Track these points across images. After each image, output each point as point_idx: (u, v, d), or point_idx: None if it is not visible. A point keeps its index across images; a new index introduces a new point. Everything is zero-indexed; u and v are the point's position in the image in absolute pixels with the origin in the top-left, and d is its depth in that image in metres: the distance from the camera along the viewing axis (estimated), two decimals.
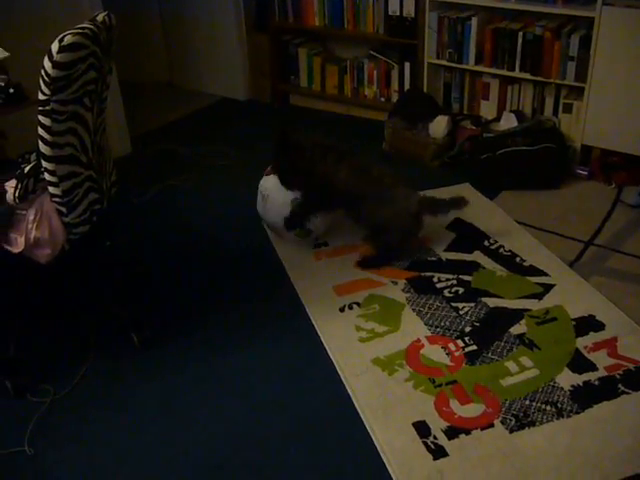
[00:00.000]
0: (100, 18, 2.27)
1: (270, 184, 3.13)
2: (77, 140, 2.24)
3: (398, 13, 4.19)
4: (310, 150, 2.96)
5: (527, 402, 2.27)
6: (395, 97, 4.47)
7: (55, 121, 2.10)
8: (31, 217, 2.25)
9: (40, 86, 2.05)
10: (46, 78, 2.03)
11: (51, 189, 2.23)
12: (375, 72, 4.52)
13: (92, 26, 2.16)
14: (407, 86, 4.40)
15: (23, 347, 2.63)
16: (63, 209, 2.27)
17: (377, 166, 3.07)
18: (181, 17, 5.12)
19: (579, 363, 2.42)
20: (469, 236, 3.23)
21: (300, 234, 3.18)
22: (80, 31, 2.08)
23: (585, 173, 3.74)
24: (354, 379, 2.40)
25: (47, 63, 2.01)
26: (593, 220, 3.35)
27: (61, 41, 2.01)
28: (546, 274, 2.92)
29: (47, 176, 2.20)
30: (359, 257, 3.10)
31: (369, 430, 2.19)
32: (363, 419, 2.24)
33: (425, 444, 2.13)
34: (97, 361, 2.56)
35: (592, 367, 2.40)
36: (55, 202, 2.25)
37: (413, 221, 3.02)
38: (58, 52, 2.00)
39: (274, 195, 3.10)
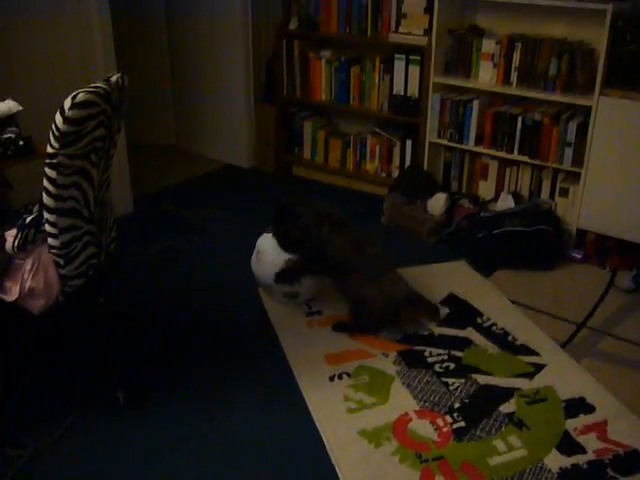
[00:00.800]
0: (114, 79, 2.34)
1: (266, 241, 3.19)
2: (80, 194, 2.28)
3: (402, 93, 4.30)
4: (307, 217, 3.01)
5: None
6: (396, 173, 4.55)
7: (61, 174, 2.15)
8: (28, 267, 2.27)
9: (50, 140, 2.10)
10: (56, 132, 2.08)
11: (50, 240, 2.25)
12: (377, 148, 4.61)
13: (105, 86, 2.23)
14: (408, 163, 4.49)
15: (4, 397, 2.60)
16: (60, 261, 2.29)
17: (372, 244, 3.10)
18: (192, 83, 5.26)
19: (568, 445, 2.40)
20: (462, 312, 3.24)
21: (288, 295, 3.20)
22: (93, 89, 2.14)
23: (580, 256, 3.77)
24: (340, 451, 2.37)
25: (58, 118, 2.07)
26: (586, 303, 3.36)
27: (74, 98, 2.07)
28: (537, 354, 2.92)
29: (48, 227, 2.23)
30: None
31: None
32: None
33: None
34: (81, 416, 2.53)
35: (581, 450, 2.38)
36: (53, 253, 2.27)
37: (394, 308, 3.03)
38: (70, 108, 2.06)
39: (268, 252, 3.16)
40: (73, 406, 2.58)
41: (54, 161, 2.12)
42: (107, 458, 2.35)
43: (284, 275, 3.09)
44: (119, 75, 2.39)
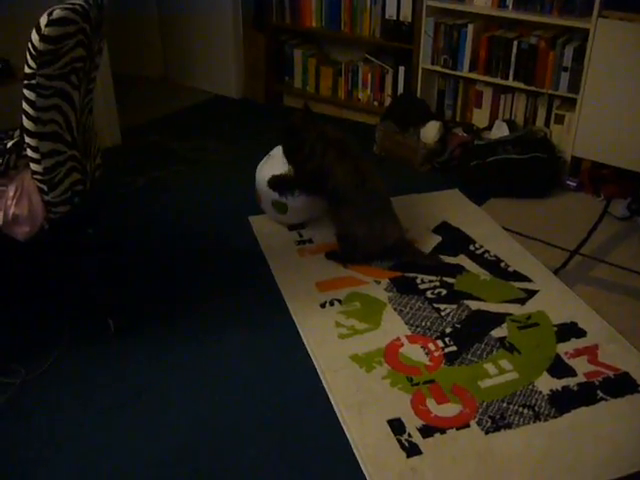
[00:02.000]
0: None
1: (279, 150, 3.15)
2: (62, 118, 2.21)
3: (395, 17, 4.19)
4: (315, 140, 2.94)
5: (504, 404, 2.24)
6: (388, 101, 4.46)
7: (40, 96, 2.08)
8: (11, 193, 2.21)
9: (27, 59, 2.02)
10: (33, 51, 2.00)
11: (33, 166, 2.20)
12: (369, 75, 4.52)
13: (83, 3, 2.14)
14: (401, 91, 4.40)
15: None
16: (44, 187, 2.24)
17: (375, 178, 2.99)
18: (179, 12, 5.10)
19: (559, 368, 2.40)
20: (455, 240, 3.21)
21: (277, 205, 3.19)
22: (70, 6, 2.06)
23: (574, 184, 3.73)
24: (331, 374, 2.37)
25: (35, 36, 1.99)
26: (580, 230, 3.34)
27: (50, 15, 1.99)
28: (530, 280, 2.90)
29: (29, 152, 2.17)
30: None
31: (343, 426, 2.16)
32: (338, 414, 2.21)
33: (399, 441, 2.10)
34: (71, 345, 2.52)
35: (572, 373, 2.38)
36: (36, 179, 2.22)
37: (381, 250, 2.98)
38: (46, 25, 1.98)
39: (276, 159, 3.15)
40: (64, 334, 2.56)
41: (32, 82, 2.05)
42: (97, 386, 2.35)
43: (278, 182, 3.08)
44: None
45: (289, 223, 3.32)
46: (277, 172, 3.10)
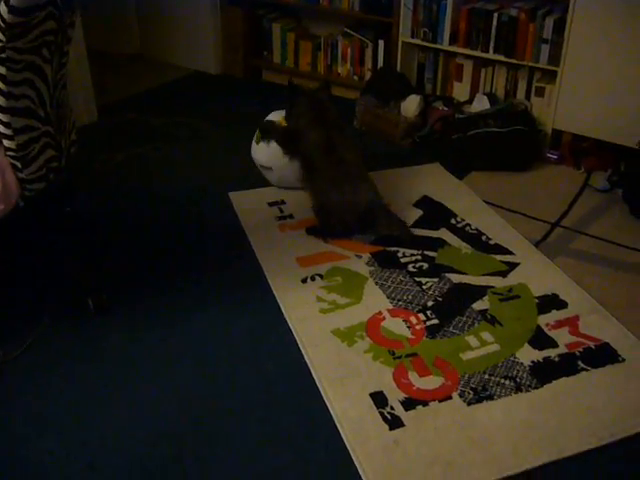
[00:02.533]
0: None
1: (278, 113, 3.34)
2: (34, 93, 2.16)
3: None
4: (301, 104, 3.04)
5: (486, 376, 2.24)
6: (368, 76, 4.42)
7: (10, 70, 2.02)
8: None
9: None
10: (1, 24, 1.94)
11: (5, 142, 2.15)
12: (349, 50, 4.47)
13: None
14: (381, 65, 4.36)
15: None
16: (18, 164, 2.19)
17: (350, 148, 2.99)
18: None
19: (540, 340, 2.41)
20: (436, 214, 3.20)
21: (263, 168, 3.38)
22: None
23: (555, 157, 3.73)
24: (313, 349, 2.36)
25: (3, 8, 1.93)
26: (561, 203, 3.34)
27: None
28: (511, 253, 2.90)
29: (2, 129, 2.12)
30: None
31: (325, 399, 2.16)
32: (320, 388, 2.20)
33: (382, 414, 2.10)
34: (50, 325, 2.48)
35: (553, 344, 2.39)
36: (9, 156, 2.18)
37: (355, 216, 2.94)
38: None
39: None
40: (42, 315, 2.53)
41: (2, 55, 1.99)
42: (77, 366, 2.32)
43: (265, 126, 3.24)
44: None
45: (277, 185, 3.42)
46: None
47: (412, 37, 4.08)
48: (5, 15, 1.92)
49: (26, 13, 1.96)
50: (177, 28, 5.05)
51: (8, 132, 2.13)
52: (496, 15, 3.73)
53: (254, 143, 3.37)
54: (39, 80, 2.16)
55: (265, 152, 3.30)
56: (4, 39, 1.96)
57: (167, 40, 5.17)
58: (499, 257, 2.87)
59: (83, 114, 4.05)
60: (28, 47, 2.04)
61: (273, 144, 3.21)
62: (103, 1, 4.96)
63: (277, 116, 3.32)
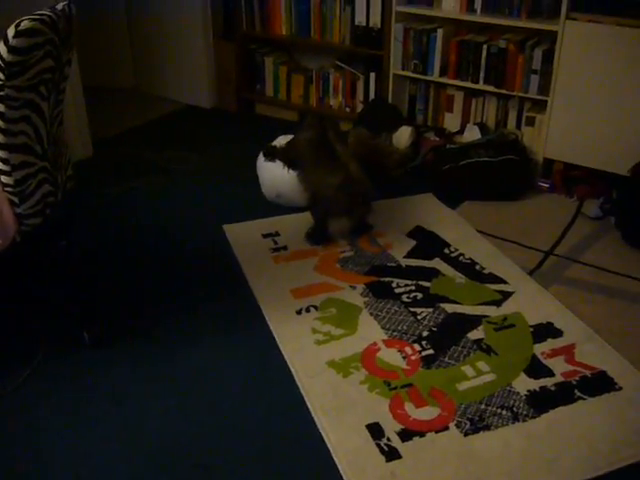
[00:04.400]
0: (60, 7, 2.23)
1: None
2: (32, 129, 2.18)
3: (364, 23, 4.20)
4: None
5: (483, 406, 2.25)
6: (360, 107, 4.47)
7: (9, 107, 2.05)
8: None
9: None
10: (1, 63, 1.98)
11: (3, 178, 2.17)
12: (341, 82, 4.53)
13: (51, 13, 2.12)
14: (372, 97, 4.41)
15: None
16: (15, 199, 2.21)
17: (342, 143, 3.25)
18: (148, 23, 5.08)
19: (536, 369, 2.42)
20: (429, 244, 3.23)
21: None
22: (38, 17, 2.04)
23: (547, 186, 3.77)
24: (308, 381, 2.36)
25: (2, 48, 1.96)
26: (554, 231, 3.37)
27: (18, 26, 1.97)
28: (505, 282, 2.92)
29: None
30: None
31: (321, 431, 2.16)
32: (316, 420, 2.20)
33: (378, 446, 2.09)
34: (47, 359, 2.48)
35: (549, 373, 2.40)
36: (7, 192, 2.19)
37: (328, 203, 3.11)
38: (14, 37, 1.96)
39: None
40: (37, 348, 2.53)
41: (1, 93, 2.02)
42: (72, 399, 2.32)
43: (270, 150, 3.37)
44: (66, 3, 2.28)
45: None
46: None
47: (403, 69, 4.14)
48: (4, 54, 1.95)
49: (25, 52, 1.99)
50: (171, 63, 5.11)
51: (6, 168, 2.15)
52: (485, 47, 3.80)
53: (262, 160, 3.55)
54: (36, 117, 2.19)
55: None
56: (3, 77, 1.98)
57: (161, 75, 5.22)
58: (493, 286, 2.89)
59: (78, 149, 4.08)
60: (26, 85, 2.07)
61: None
62: (98, 36, 5.02)
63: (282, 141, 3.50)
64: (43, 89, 2.18)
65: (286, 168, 3.29)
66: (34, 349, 2.52)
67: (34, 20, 2.01)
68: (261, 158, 3.55)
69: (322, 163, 3.10)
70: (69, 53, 2.37)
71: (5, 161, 2.14)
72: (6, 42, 1.96)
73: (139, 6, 5.09)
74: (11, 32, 1.96)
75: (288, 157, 3.28)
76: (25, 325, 2.68)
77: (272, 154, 3.35)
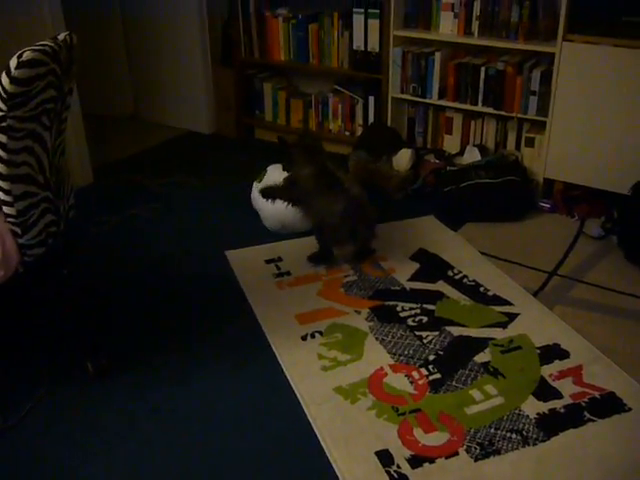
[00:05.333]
0: (61, 37, 2.24)
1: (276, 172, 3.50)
2: (34, 159, 2.18)
3: (363, 48, 4.22)
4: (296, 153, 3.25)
5: (492, 430, 2.23)
6: (360, 131, 4.49)
7: (11, 138, 2.05)
8: None
9: None
10: (3, 94, 1.97)
11: (5, 209, 2.16)
12: (340, 106, 4.54)
13: (52, 44, 2.13)
14: (371, 120, 4.42)
15: None
16: (18, 230, 2.20)
17: (341, 170, 3.26)
18: (146, 51, 5.12)
19: (544, 391, 2.40)
20: (433, 266, 3.22)
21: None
22: (40, 48, 2.04)
23: (548, 206, 3.77)
24: (315, 408, 2.34)
25: (4, 79, 1.96)
26: (556, 251, 3.36)
27: (20, 57, 1.97)
28: (510, 303, 2.91)
29: (2, 195, 2.13)
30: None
31: (330, 459, 2.13)
32: (324, 448, 2.17)
33: (388, 473, 2.07)
34: (50, 390, 2.46)
35: (557, 395, 2.37)
36: (9, 222, 2.18)
37: (333, 230, 3.09)
38: (16, 68, 1.96)
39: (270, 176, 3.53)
40: (41, 379, 2.51)
41: (3, 124, 2.02)
42: (77, 431, 2.29)
43: (268, 192, 3.30)
44: (67, 34, 2.29)
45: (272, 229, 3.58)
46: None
47: (402, 92, 4.16)
48: (7, 86, 1.95)
49: (27, 83, 1.99)
50: (170, 89, 5.13)
51: (8, 199, 2.14)
52: (483, 69, 3.82)
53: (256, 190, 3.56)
54: (39, 147, 2.19)
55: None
56: (5, 108, 1.98)
57: (160, 101, 5.25)
58: (498, 308, 2.88)
59: (78, 176, 4.08)
60: (28, 115, 2.07)
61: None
62: (97, 64, 5.05)
63: (274, 170, 3.51)
64: (45, 119, 2.18)
65: (289, 205, 3.28)
66: (38, 380, 2.50)
67: (36, 51, 2.02)
68: (255, 193, 3.54)
69: (325, 192, 3.08)
70: (70, 82, 2.37)
71: (7, 192, 2.13)
72: (8, 73, 1.96)
73: (137, 33, 5.12)
74: (13, 63, 1.97)
75: (289, 195, 3.24)
76: (28, 356, 2.66)
77: (272, 195, 3.30)
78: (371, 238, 3.26)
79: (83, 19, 4.69)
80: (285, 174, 3.32)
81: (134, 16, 5.08)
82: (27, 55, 1.98)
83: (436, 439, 2.20)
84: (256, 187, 3.57)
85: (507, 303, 2.91)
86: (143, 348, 2.71)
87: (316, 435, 2.23)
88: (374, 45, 4.18)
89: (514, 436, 2.20)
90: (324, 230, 3.15)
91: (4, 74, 1.96)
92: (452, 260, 3.26)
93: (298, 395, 2.41)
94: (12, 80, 1.96)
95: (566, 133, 3.61)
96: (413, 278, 3.12)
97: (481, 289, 3.02)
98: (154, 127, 5.23)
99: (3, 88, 1.97)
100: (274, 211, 3.44)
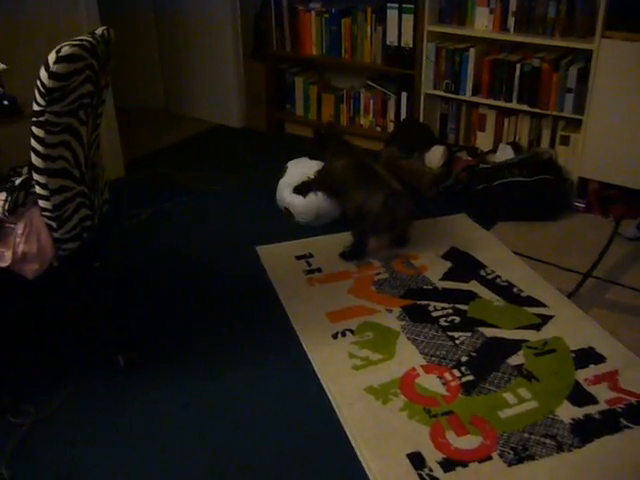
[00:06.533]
0: (99, 32, 2.24)
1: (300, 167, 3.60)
2: (70, 154, 2.19)
3: (396, 43, 4.18)
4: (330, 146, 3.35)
5: (526, 435, 2.19)
6: (391, 127, 4.46)
7: (49, 133, 2.06)
8: (20, 231, 2.18)
9: (35, 97, 2.00)
10: (41, 88, 1.98)
11: (42, 203, 2.17)
12: (371, 102, 4.51)
13: (91, 39, 2.13)
14: (403, 116, 4.39)
15: (3, 365, 2.55)
16: (53, 224, 2.21)
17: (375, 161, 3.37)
18: (179, 44, 5.13)
19: (579, 396, 2.36)
20: (465, 265, 3.18)
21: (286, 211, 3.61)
22: (78, 43, 2.04)
23: (582, 206, 3.71)
24: (346, 408, 2.33)
25: (43, 73, 1.97)
26: (590, 253, 3.31)
27: (58, 52, 1.98)
28: (544, 305, 2.87)
29: (38, 189, 2.14)
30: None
31: (361, 460, 2.12)
32: (355, 449, 2.16)
33: (420, 476, 2.05)
34: (81, 383, 2.48)
35: (593, 400, 2.34)
36: (45, 216, 2.19)
37: (374, 219, 3.11)
38: (55, 62, 1.97)
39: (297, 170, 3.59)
40: (73, 372, 2.53)
41: (41, 119, 2.03)
42: (109, 424, 2.30)
43: (301, 187, 3.40)
44: (104, 28, 2.29)
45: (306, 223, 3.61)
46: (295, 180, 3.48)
47: (435, 88, 4.11)
48: (46, 80, 1.96)
49: (65, 78, 1.99)
50: (201, 83, 5.13)
51: (44, 193, 2.15)
52: (519, 66, 3.76)
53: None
54: (75, 142, 2.19)
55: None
56: (44, 103, 1.99)
57: (191, 95, 5.25)
58: (532, 310, 2.84)
59: (110, 169, 4.08)
60: (66, 110, 2.07)
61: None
62: (129, 58, 5.05)
63: (295, 165, 3.64)
64: (82, 114, 2.18)
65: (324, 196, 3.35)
66: (69, 374, 2.51)
67: (75, 45, 2.02)
68: (282, 193, 3.59)
69: (365, 183, 3.12)
70: (107, 77, 2.38)
71: (44, 186, 2.14)
72: (47, 68, 1.97)
73: (169, 27, 5.14)
74: (52, 58, 1.97)
75: (325, 186, 3.32)
76: (60, 349, 2.67)
77: (307, 189, 3.38)
78: (409, 228, 3.31)
79: (116, 13, 4.69)
80: (310, 164, 3.38)
81: (166, 10, 5.10)
82: (66, 50, 1.98)
83: (468, 442, 2.17)
84: (283, 185, 3.58)
85: (541, 305, 2.87)
86: (173, 341, 2.72)
87: (347, 435, 2.22)
88: (408, 40, 4.14)
89: (548, 441, 2.17)
90: (364, 219, 3.14)
91: (43, 69, 1.97)
92: (485, 259, 3.22)
93: (329, 394, 2.40)
94: (51, 75, 1.97)
95: (603, 132, 3.55)
96: (445, 277, 3.09)
97: (514, 290, 2.98)
98: (185, 120, 5.24)
99: (42, 83, 1.97)
100: (308, 203, 3.45)
